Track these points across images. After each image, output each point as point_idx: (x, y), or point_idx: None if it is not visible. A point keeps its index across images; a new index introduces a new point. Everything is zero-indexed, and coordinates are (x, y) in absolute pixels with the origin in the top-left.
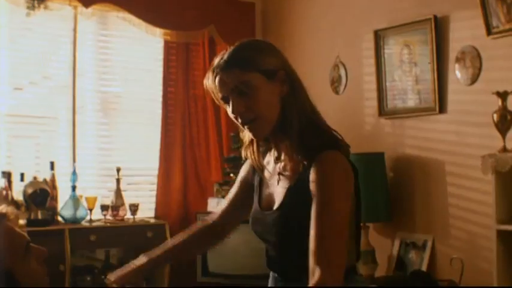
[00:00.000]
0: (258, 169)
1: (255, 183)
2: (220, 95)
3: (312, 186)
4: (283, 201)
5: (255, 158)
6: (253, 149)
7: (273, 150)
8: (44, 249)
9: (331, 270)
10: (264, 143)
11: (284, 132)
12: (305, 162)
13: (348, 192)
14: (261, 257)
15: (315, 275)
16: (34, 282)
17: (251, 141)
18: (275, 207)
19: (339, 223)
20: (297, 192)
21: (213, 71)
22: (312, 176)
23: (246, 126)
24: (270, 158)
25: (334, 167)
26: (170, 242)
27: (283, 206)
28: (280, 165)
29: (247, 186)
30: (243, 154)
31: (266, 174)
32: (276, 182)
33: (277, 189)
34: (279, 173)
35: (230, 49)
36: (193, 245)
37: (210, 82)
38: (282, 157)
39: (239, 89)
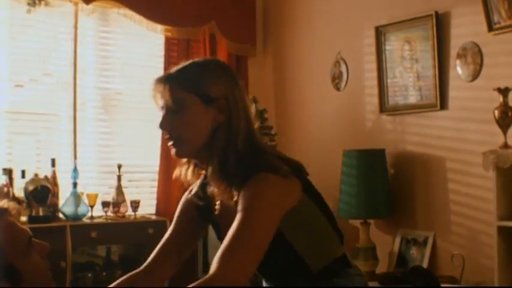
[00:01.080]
0: (195, 200)
1: (201, 217)
2: (159, 104)
3: (238, 206)
4: None
5: (187, 178)
6: (187, 170)
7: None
8: (45, 244)
9: (231, 270)
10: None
11: (208, 159)
12: (235, 192)
13: (273, 213)
14: None
15: (210, 270)
16: (37, 277)
17: (188, 162)
18: None
19: (254, 244)
20: None
21: (159, 80)
22: (240, 196)
23: (169, 142)
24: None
25: (258, 188)
26: None
27: None
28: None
29: (187, 222)
30: (176, 172)
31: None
32: (224, 209)
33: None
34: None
35: (182, 64)
36: None
37: (154, 89)
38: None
39: (173, 105)
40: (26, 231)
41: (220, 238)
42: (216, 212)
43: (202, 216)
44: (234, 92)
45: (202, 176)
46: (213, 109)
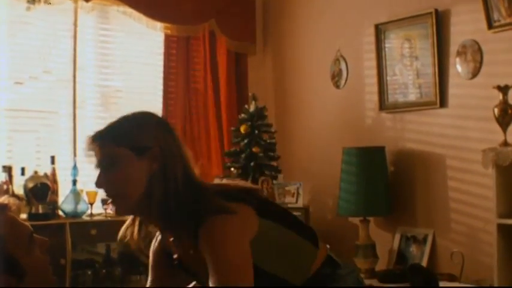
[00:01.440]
0: (138, 253)
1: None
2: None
3: (205, 255)
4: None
5: (133, 239)
6: (133, 230)
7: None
8: (45, 239)
9: None
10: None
11: (150, 212)
12: (187, 241)
13: (243, 251)
14: None
15: None
16: (39, 271)
17: (133, 221)
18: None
19: (233, 274)
20: None
21: (90, 139)
22: (201, 246)
23: (108, 201)
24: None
25: (217, 235)
26: None
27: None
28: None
29: (162, 271)
30: (121, 234)
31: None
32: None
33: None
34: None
35: (112, 121)
36: None
37: (87, 148)
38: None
39: (105, 162)
40: (27, 227)
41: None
42: (182, 260)
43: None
44: (166, 139)
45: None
46: (146, 159)
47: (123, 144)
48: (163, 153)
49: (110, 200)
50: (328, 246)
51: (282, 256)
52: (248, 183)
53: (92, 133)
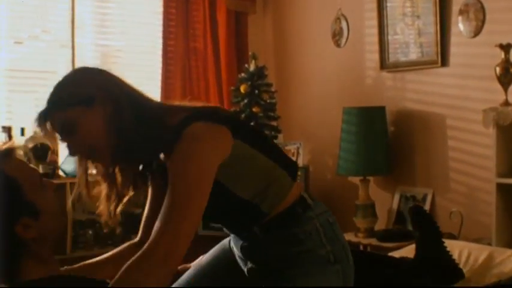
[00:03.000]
0: (115, 226)
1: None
2: (58, 139)
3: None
4: None
5: (111, 215)
6: (110, 205)
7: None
8: (52, 181)
9: (171, 237)
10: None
11: (125, 152)
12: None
13: (203, 167)
14: None
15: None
16: (52, 210)
17: (108, 196)
18: None
19: (189, 195)
20: None
21: (40, 120)
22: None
23: (93, 164)
24: None
25: (187, 143)
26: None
27: None
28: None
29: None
30: (99, 211)
31: None
32: None
33: None
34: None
35: (48, 95)
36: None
37: (43, 131)
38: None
39: (65, 130)
40: (36, 169)
41: None
42: None
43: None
44: (105, 82)
45: None
46: (97, 107)
47: (70, 105)
48: (110, 95)
49: (90, 163)
50: (302, 184)
51: (255, 181)
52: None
53: (37, 116)
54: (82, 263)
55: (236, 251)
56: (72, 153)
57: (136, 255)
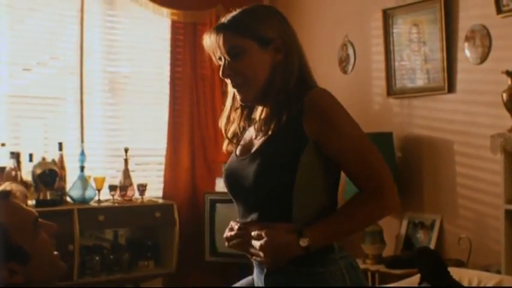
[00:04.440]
0: (236, 135)
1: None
2: (217, 55)
3: (316, 126)
4: (261, 146)
5: (238, 123)
6: (239, 114)
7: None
8: (52, 224)
9: (384, 179)
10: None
11: (268, 97)
12: (284, 116)
13: (353, 119)
14: None
15: (368, 189)
16: (44, 255)
17: (238, 107)
18: (252, 151)
19: (366, 144)
20: (277, 140)
21: (213, 31)
22: (310, 117)
23: (234, 89)
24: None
25: (327, 98)
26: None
27: (262, 150)
28: (260, 124)
29: None
30: (226, 120)
31: (247, 134)
32: (255, 136)
33: (256, 141)
34: (259, 129)
35: (233, 12)
36: None
37: (209, 41)
38: (263, 116)
39: (231, 52)
40: (31, 212)
41: (237, 153)
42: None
43: None
44: (286, 32)
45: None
46: (270, 50)
47: (248, 36)
48: (286, 46)
49: (235, 90)
50: None
51: (315, 183)
52: None
53: (215, 27)
54: None
55: (260, 284)
56: (224, 74)
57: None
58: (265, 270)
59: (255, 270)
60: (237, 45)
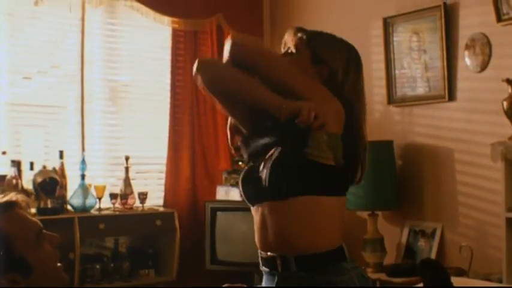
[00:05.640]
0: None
1: None
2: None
3: None
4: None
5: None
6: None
7: None
8: (56, 235)
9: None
10: None
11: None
12: None
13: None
14: None
15: None
16: (47, 267)
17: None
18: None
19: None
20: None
21: (293, 28)
22: None
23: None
24: None
25: None
26: None
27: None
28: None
29: None
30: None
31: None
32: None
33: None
34: None
35: (320, 31)
36: None
37: (287, 34)
38: None
39: (291, 49)
40: (36, 223)
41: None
42: None
43: None
44: (341, 68)
45: None
46: (315, 69)
47: (310, 47)
48: (329, 76)
49: None
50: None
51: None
52: None
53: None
54: None
55: None
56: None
57: None
58: (276, 277)
59: (265, 278)
60: (298, 48)
